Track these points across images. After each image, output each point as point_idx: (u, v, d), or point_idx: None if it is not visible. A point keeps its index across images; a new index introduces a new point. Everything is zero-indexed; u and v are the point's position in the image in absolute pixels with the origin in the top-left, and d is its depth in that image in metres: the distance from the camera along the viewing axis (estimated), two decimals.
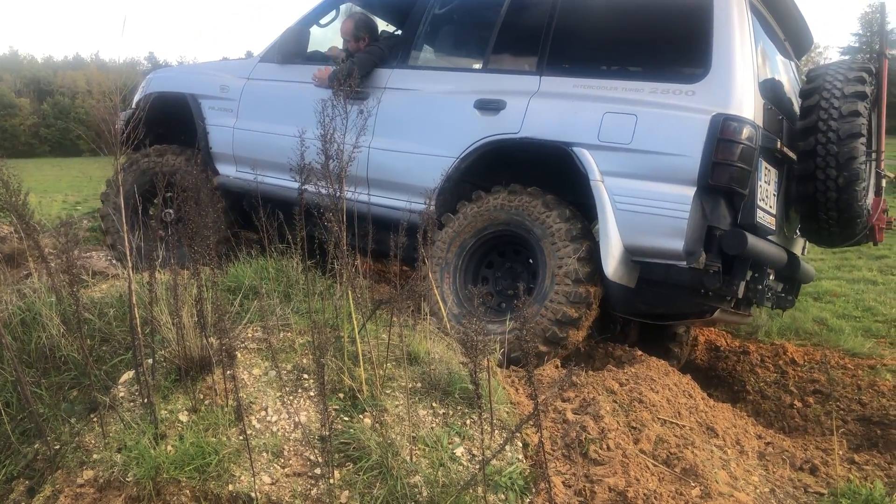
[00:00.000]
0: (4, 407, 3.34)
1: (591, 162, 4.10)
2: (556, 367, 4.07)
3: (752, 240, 3.95)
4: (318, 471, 2.69)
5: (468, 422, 3.03)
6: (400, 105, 4.94)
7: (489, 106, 4.53)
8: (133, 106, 5.91)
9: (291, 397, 3.02)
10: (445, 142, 4.63)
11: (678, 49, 4.43)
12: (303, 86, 5.32)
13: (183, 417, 2.89)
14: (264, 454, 2.72)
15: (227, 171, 5.74)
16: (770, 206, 4.30)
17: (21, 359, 3.28)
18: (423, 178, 4.46)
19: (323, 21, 5.79)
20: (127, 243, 2.89)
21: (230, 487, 2.60)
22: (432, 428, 2.96)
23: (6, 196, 2.89)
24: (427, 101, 4.86)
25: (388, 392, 3.12)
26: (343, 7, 5.87)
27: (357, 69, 4.85)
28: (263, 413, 2.92)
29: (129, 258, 2.85)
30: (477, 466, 2.77)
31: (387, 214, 4.44)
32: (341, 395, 3.04)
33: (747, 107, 3.95)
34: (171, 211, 5.85)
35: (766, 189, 4.26)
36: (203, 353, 3.03)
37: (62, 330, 3.50)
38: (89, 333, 3.54)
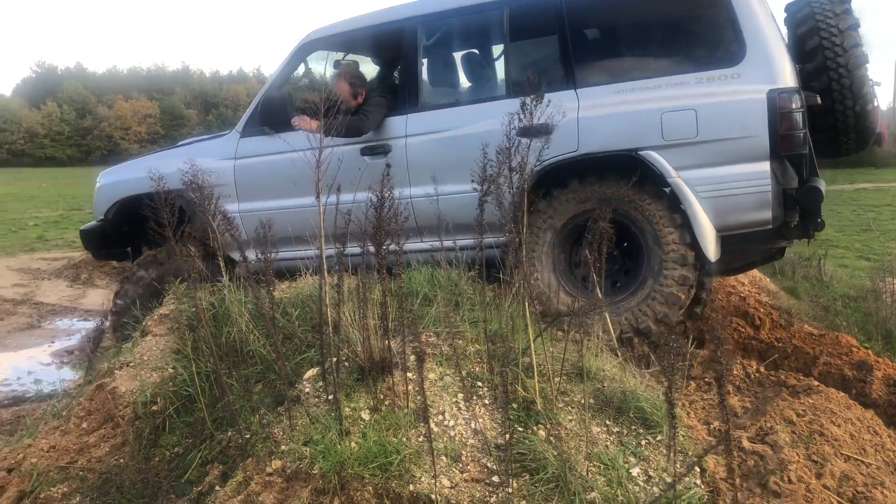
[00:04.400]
0: (197, 396, 3.62)
1: (662, 162, 4.22)
2: (730, 392, 3.93)
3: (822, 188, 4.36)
4: (495, 478, 2.72)
5: (643, 442, 2.98)
6: (434, 149, 4.78)
7: (535, 131, 4.38)
8: (102, 217, 5.75)
9: (467, 403, 3.08)
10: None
11: (706, 32, 4.59)
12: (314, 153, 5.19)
13: (365, 416, 3.00)
14: (443, 458, 2.78)
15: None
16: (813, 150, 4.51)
17: (212, 351, 3.53)
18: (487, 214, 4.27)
19: (292, 81, 5.51)
20: (321, 245, 3.04)
21: (411, 487, 2.67)
22: (607, 446, 2.93)
23: None
24: (465, 140, 4.59)
25: (560, 406, 3.12)
26: (310, 57, 5.54)
27: (370, 121, 4.88)
28: (441, 417, 2.99)
29: (323, 262, 3.01)
30: (654, 488, 2.72)
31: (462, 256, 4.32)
32: (515, 406, 3.07)
33: (789, 75, 4.19)
34: None
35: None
36: (384, 355, 3.15)
37: (251, 326, 3.74)
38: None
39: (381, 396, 3.09)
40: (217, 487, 2.98)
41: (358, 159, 4.89)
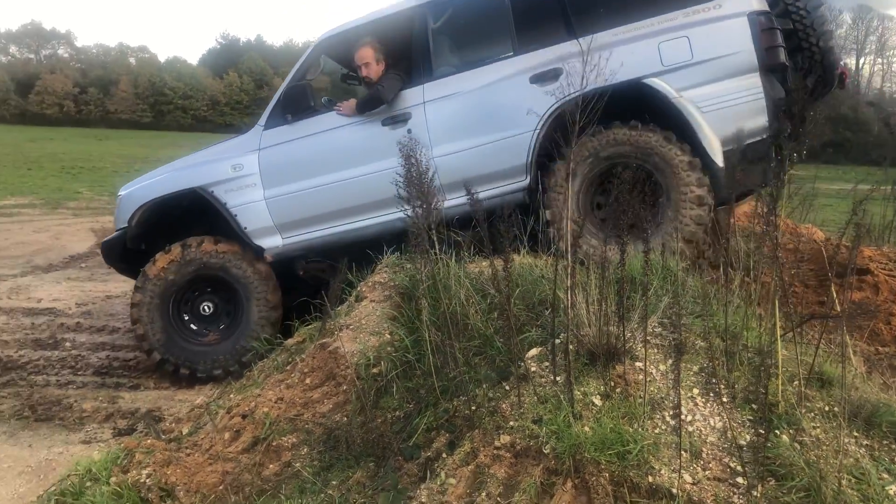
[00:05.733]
0: (416, 362, 3.72)
1: (664, 86, 4.81)
2: None
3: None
4: (739, 479, 2.61)
5: None
6: (451, 110, 5.32)
7: (546, 77, 5.07)
8: (124, 225, 5.97)
9: (704, 399, 2.98)
10: (516, 121, 5.10)
11: None
12: (337, 131, 5.56)
13: (597, 401, 2.97)
14: (683, 453, 2.71)
15: (272, 242, 5.74)
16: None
17: (435, 322, 3.61)
18: (506, 161, 5.15)
19: (309, 75, 5.81)
20: (568, 223, 3.02)
21: (650, 479, 2.61)
22: (857, 459, 2.74)
23: None
24: (480, 96, 5.25)
25: (802, 411, 2.95)
26: (323, 58, 6.05)
27: (388, 90, 5.39)
28: (675, 411, 2.91)
29: (567, 240, 2.98)
30: None
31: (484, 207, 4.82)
32: (754, 407, 2.93)
33: (762, 2, 4.86)
34: (209, 305, 6.00)
35: None
36: (614, 342, 3.10)
37: (471, 300, 3.79)
38: (492, 307, 3.80)
39: (612, 384, 3.04)
40: (444, 455, 3.05)
41: (380, 130, 5.43)
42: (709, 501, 2.54)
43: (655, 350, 3.28)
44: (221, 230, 5.83)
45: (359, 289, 4.54)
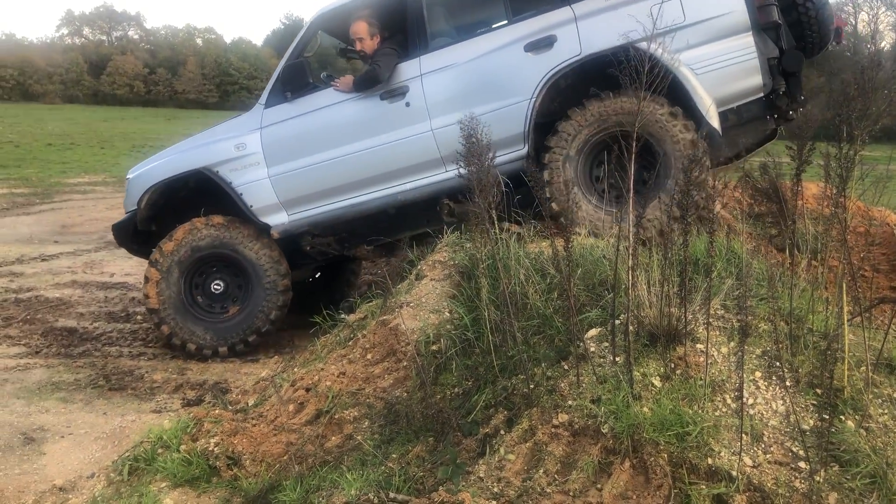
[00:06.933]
0: (475, 341, 3.76)
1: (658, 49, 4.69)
2: None
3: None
4: (801, 464, 2.58)
5: None
6: (448, 81, 5.31)
7: (541, 45, 5.07)
8: (134, 207, 6.03)
9: (766, 383, 2.95)
10: (513, 89, 5.12)
11: None
12: (336, 107, 5.58)
13: (656, 382, 2.96)
14: (743, 435, 2.68)
15: (278, 219, 5.77)
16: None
17: (495, 300, 3.64)
18: (504, 130, 5.00)
19: (307, 52, 5.88)
20: (630, 196, 3.01)
21: (709, 461, 2.61)
22: None
23: None
24: (476, 67, 5.24)
25: (869, 397, 2.89)
26: (320, 33, 6.09)
27: (383, 68, 5.38)
28: (736, 394, 2.89)
29: (631, 215, 2.98)
30: None
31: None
32: (819, 392, 2.89)
33: None
34: (220, 283, 6.01)
35: None
36: (675, 324, 3.08)
37: (531, 279, 3.80)
38: (552, 287, 3.81)
39: (672, 366, 3.03)
40: (502, 432, 3.08)
41: (378, 104, 5.46)
42: (769, 485, 2.52)
43: (717, 332, 3.25)
44: (229, 209, 5.91)
45: (419, 267, 4.59)
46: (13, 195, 15.32)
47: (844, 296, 2.91)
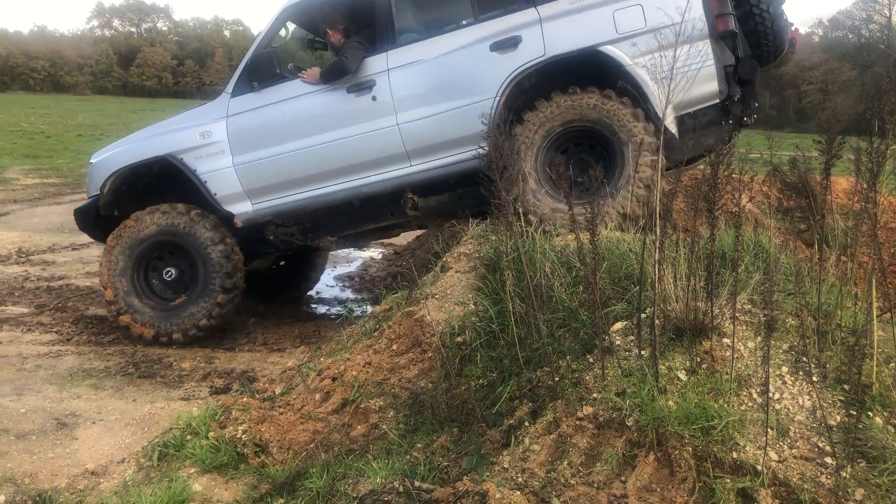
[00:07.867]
0: (500, 333, 3.78)
1: (619, 53, 4.89)
2: None
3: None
4: (828, 459, 2.58)
5: None
6: (415, 77, 5.36)
7: (506, 45, 5.14)
8: (97, 192, 6.03)
9: (793, 378, 2.93)
10: (478, 87, 5.18)
11: None
12: (302, 98, 5.61)
13: (682, 376, 2.97)
14: (769, 430, 2.68)
15: (242, 208, 5.80)
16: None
17: (520, 293, 3.65)
18: (467, 128, 4.98)
19: (275, 43, 5.86)
20: (657, 194, 3.00)
21: (734, 455, 2.61)
22: None
23: None
24: (442, 64, 5.30)
25: None
26: (290, 24, 6.16)
27: (351, 60, 5.42)
28: (762, 388, 2.88)
29: (657, 214, 2.97)
30: None
31: (447, 172, 5.34)
32: (846, 387, 2.87)
33: None
34: (172, 270, 5.99)
35: None
36: (701, 318, 3.07)
37: (556, 272, 3.81)
38: (577, 280, 3.81)
39: (698, 360, 3.03)
40: (526, 423, 3.10)
41: (345, 97, 5.50)
42: (795, 480, 2.51)
43: (744, 327, 3.24)
44: (192, 197, 5.91)
45: (445, 259, 4.62)
46: (45, 185, 15.55)
47: (874, 291, 2.88)
